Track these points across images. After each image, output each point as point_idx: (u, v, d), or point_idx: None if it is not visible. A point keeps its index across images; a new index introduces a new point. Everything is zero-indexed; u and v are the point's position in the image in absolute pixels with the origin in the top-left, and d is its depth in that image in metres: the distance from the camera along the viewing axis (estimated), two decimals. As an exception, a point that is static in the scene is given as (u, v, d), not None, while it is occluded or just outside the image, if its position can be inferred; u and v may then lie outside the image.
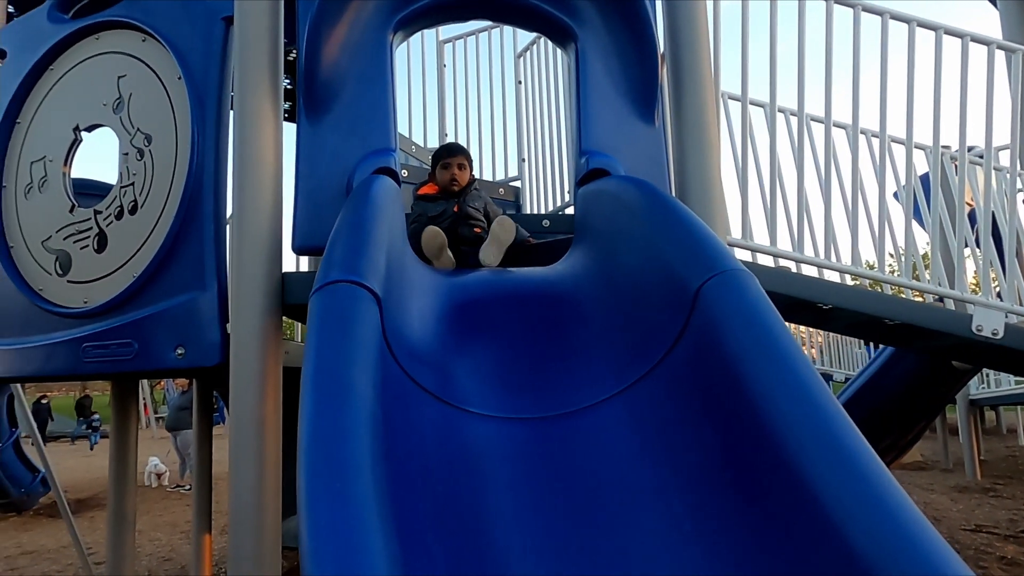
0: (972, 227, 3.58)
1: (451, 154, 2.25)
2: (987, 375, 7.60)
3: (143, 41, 2.04)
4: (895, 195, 3.76)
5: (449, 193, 2.15)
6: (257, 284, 1.74)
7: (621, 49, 1.89)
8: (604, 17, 1.88)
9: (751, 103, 2.86)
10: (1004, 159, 3.96)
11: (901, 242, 2.99)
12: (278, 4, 1.80)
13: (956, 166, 3.34)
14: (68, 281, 2.05)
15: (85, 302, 2.00)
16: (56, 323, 2.04)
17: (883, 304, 2.50)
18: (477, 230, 2.08)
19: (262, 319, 1.74)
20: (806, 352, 10.25)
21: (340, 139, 1.80)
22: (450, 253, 1.92)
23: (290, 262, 3.21)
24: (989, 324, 2.49)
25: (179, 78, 1.95)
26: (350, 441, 0.80)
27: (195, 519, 4.83)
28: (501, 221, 1.99)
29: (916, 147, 3.12)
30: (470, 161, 2.28)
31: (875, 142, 3.03)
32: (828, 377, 9.16)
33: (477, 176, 2.41)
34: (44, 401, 18.02)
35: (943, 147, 3.26)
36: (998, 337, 2.49)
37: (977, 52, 2.69)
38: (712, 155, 1.93)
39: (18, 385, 5.20)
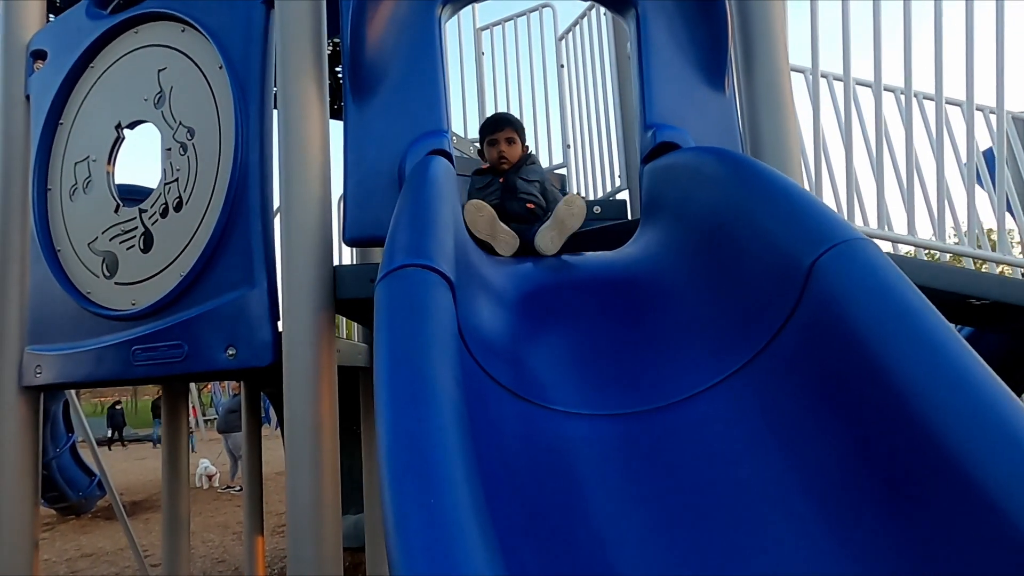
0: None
1: (497, 128, 2.02)
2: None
3: (182, 31, 1.97)
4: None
5: (499, 172, 1.97)
6: (308, 279, 1.66)
7: (686, 9, 1.74)
8: (668, -21, 1.74)
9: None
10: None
11: (961, 214, 2.77)
12: (320, -16, 1.71)
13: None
14: (116, 283, 1.99)
15: (133, 304, 1.94)
16: (105, 326, 1.98)
17: (969, 280, 2.29)
18: (530, 205, 1.88)
19: (315, 315, 1.65)
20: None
21: (389, 122, 1.70)
22: (505, 227, 1.72)
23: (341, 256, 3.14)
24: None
25: (220, 67, 1.87)
26: (439, 446, 0.68)
27: (247, 520, 4.82)
28: (570, 201, 1.69)
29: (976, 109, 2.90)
30: (521, 133, 2.06)
31: (929, 106, 2.81)
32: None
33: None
34: (118, 407, 18.52)
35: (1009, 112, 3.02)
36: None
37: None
38: (789, 123, 1.77)
39: (72, 392, 5.27)
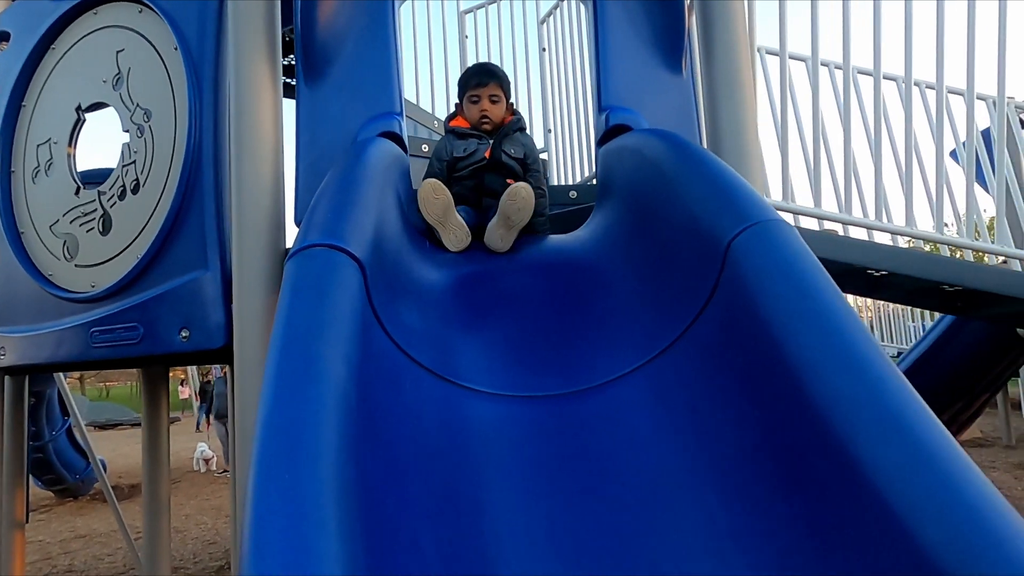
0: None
1: (480, 81, 1.75)
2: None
3: (140, 12, 1.95)
4: (952, 154, 3.48)
5: (482, 135, 1.74)
6: (260, 261, 1.65)
7: (643, -7, 1.72)
8: (623, -42, 1.72)
9: (792, 58, 2.65)
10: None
11: (959, 204, 2.75)
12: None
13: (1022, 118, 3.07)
14: (76, 265, 2.00)
15: (92, 286, 1.94)
16: (66, 308, 1.98)
17: (943, 268, 2.28)
18: (510, 181, 1.66)
19: (266, 298, 1.64)
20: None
21: (341, 104, 1.68)
22: (459, 218, 1.52)
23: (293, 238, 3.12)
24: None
25: (175, 48, 1.85)
26: (311, 425, 0.68)
27: (232, 504, 4.88)
28: (514, 193, 1.49)
29: (978, 98, 2.86)
30: (507, 90, 1.80)
31: (930, 94, 2.79)
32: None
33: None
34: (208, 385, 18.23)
35: (1009, 98, 2.99)
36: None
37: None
38: (747, 105, 1.75)
39: (61, 375, 5.30)
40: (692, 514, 0.89)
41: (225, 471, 9.81)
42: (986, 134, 3.62)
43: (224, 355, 1.76)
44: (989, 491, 0.67)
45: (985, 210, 2.76)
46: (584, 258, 1.42)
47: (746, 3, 1.88)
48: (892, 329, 9.22)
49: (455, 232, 1.52)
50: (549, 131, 3.69)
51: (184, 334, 1.73)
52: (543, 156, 3.75)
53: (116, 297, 1.87)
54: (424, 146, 3.00)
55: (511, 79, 3.75)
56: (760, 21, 2.40)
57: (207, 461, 9.99)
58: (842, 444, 0.74)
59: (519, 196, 1.48)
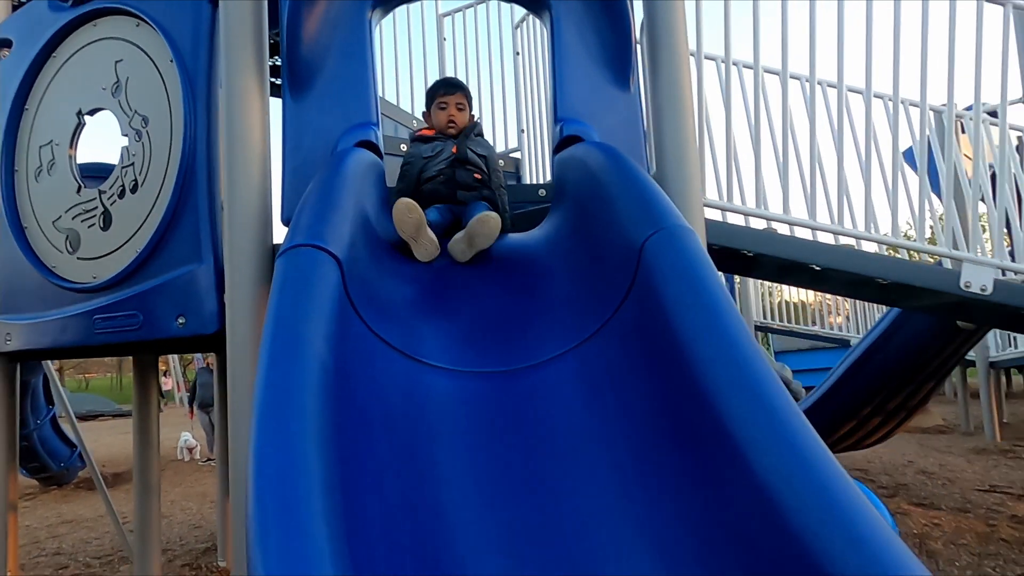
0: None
1: (448, 91, 1.98)
2: (1013, 338, 7.50)
3: (137, 26, 2.12)
4: (906, 153, 3.73)
5: (447, 138, 1.92)
6: (249, 255, 1.83)
7: (594, 16, 1.92)
8: (577, -14, 1.92)
9: (765, 71, 2.86)
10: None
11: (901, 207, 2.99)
12: (259, -15, 1.87)
13: (960, 125, 3.31)
14: (78, 258, 2.17)
15: (94, 277, 2.12)
16: (69, 298, 2.16)
17: (872, 263, 2.52)
18: (477, 176, 1.88)
19: (255, 288, 1.83)
20: (833, 320, 10.17)
21: (323, 115, 1.87)
22: (431, 234, 1.64)
23: (280, 234, 3.30)
24: (978, 280, 2.50)
25: (171, 61, 2.03)
26: (296, 387, 0.88)
27: (219, 488, 5.06)
28: (484, 220, 1.62)
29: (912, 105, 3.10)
30: (470, 100, 2.01)
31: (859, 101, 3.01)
32: (847, 343, 9.10)
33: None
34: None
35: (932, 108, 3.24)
36: (987, 293, 2.51)
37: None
38: (687, 118, 1.96)
39: (50, 363, 5.43)
40: (606, 465, 1.10)
41: (209, 459, 9.95)
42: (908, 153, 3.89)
43: (217, 340, 1.95)
44: (817, 444, 0.89)
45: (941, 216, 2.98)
46: (534, 256, 1.63)
47: (691, 9, 2.08)
48: (869, 321, 9.53)
49: (425, 246, 1.64)
50: (522, 131, 3.89)
51: (181, 321, 1.92)
52: (515, 155, 3.96)
53: (117, 287, 2.05)
54: (402, 145, 3.19)
55: (487, 80, 3.96)
56: (736, 35, 2.61)
57: (191, 450, 10.12)
58: (714, 409, 0.95)
59: (488, 224, 1.62)
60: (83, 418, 17.13)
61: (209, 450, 10.06)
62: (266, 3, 1.95)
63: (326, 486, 0.79)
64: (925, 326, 4.19)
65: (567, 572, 0.95)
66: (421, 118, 4.08)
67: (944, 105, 3.20)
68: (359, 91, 1.88)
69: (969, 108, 4.55)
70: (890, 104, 2.85)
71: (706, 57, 2.73)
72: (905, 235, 2.74)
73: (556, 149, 1.90)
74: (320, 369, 0.94)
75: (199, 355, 9.54)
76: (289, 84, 1.89)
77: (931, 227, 2.80)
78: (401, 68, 3.88)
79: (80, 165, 2.27)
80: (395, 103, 3.91)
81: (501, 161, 3.77)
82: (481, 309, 1.49)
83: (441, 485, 1.09)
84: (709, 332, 1.01)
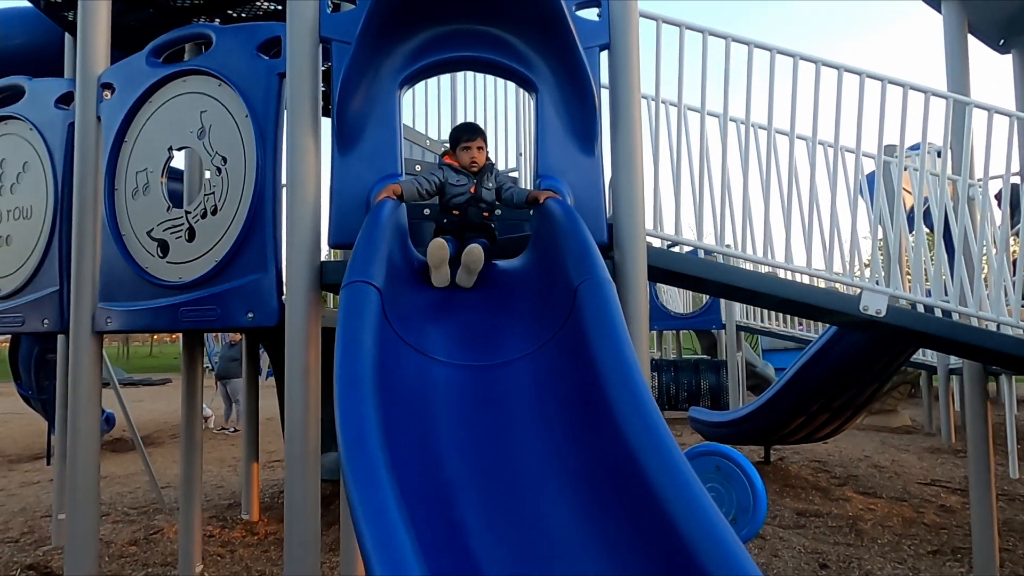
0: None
1: (471, 138, 2.48)
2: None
3: (219, 86, 2.75)
4: (869, 177, 4.36)
5: (469, 174, 2.46)
6: (303, 269, 2.48)
7: (568, 100, 2.55)
8: (556, 76, 2.54)
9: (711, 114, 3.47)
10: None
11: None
12: (318, 69, 2.50)
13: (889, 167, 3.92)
14: (167, 262, 2.82)
15: (180, 278, 2.77)
16: (159, 292, 2.81)
17: (787, 288, 3.16)
18: (485, 214, 2.43)
19: (307, 293, 2.48)
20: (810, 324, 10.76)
21: (362, 167, 2.51)
22: (447, 269, 2.22)
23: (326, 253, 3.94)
24: (874, 304, 3.13)
25: (246, 116, 2.67)
26: (360, 374, 1.53)
27: (245, 452, 5.78)
28: (470, 252, 2.22)
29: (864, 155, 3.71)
30: (486, 142, 2.54)
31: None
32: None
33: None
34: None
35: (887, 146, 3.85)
36: (881, 315, 3.14)
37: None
38: (638, 178, 2.60)
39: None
40: (543, 430, 1.75)
41: (224, 429, 10.67)
42: (870, 177, 4.50)
43: (276, 331, 2.59)
44: (662, 426, 1.53)
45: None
46: (513, 283, 2.27)
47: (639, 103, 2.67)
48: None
49: (443, 276, 2.25)
50: (520, 155, 4.51)
51: (250, 315, 2.58)
52: (514, 175, 4.58)
53: (199, 287, 2.70)
54: (417, 166, 3.83)
55: (492, 112, 4.58)
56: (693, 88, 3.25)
57: (206, 419, 10.86)
58: (607, 399, 1.59)
59: (473, 255, 2.23)
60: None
61: (224, 420, 10.79)
62: (320, 80, 2.59)
63: (377, 427, 1.44)
64: (862, 337, 4.81)
65: (514, 485, 1.60)
66: (432, 136, 4.73)
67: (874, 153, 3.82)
68: (389, 150, 2.52)
69: (915, 148, 5.17)
70: (829, 151, 3.47)
71: (664, 102, 3.35)
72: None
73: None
74: (371, 360, 1.59)
75: (224, 334, 10.22)
76: (337, 142, 2.53)
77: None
78: (418, 97, 4.50)
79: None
80: (411, 126, 4.53)
81: (514, 174, 4.41)
82: (472, 321, 2.14)
83: (439, 436, 1.75)
84: (611, 352, 1.65)
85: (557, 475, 1.68)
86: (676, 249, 3.34)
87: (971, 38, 4.89)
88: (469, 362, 1.94)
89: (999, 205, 3.51)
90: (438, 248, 2.22)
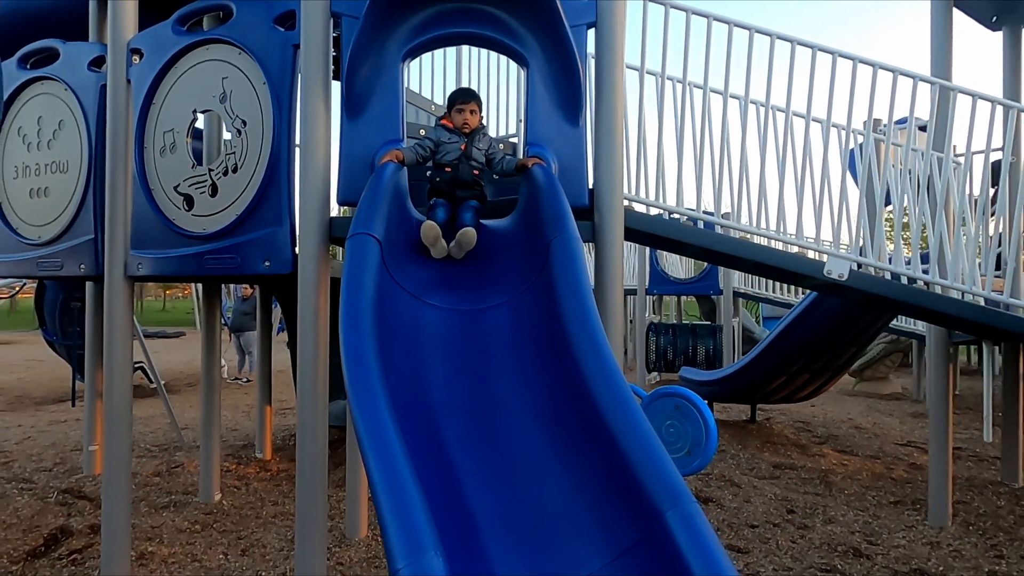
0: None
1: (465, 101, 2.69)
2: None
3: (239, 54, 3.01)
4: (851, 159, 4.58)
5: (462, 134, 2.66)
6: (314, 223, 2.78)
7: (555, 74, 2.79)
8: (545, 52, 2.78)
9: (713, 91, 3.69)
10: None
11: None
12: (329, 41, 2.76)
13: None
14: (192, 215, 3.12)
15: (204, 229, 3.08)
16: (185, 242, 3.12)
17: (757, 253, 3.43)
18: (475, 172, 2.61)
19: (317, 245, 2.78)
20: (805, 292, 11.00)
21: (367, 132, 2.78)
22: (443, 242, 2.42)
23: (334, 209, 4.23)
24: (837, 269, 3.40)
25: (264, 83, 2.93)
26: (361, 309, 1.83)
27: (259, 398, 6.17)
28: (465, 232, 2.43)
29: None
30: (480, 106, 2.75)
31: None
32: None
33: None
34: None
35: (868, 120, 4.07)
36: (844, 279, 3.41)
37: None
38: (617, 148, 2.86)
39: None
40: (518, 364, 2.05)
41: (237, 379, 11.12)
42: (852, 154, 4.72)
43: (290, 278, 2.90)
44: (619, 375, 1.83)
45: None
46: (500, 240, 2.56)
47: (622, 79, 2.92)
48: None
49: (440, 250, 2.45)
50: (520, 120, 4.74)
51: (267, 264, 2.89)
52: (514, 140, 4.82)
53: (221, 238, 3.01)
54: (421, 131, 4.09)
55: (494, 79, 4.79)
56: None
57: (220, 369, 11.27)
58: (571, 339, 1.89)
59: (467, 235, 2.44)
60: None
61: (238, 370, 11.26)
62: (330, 51, 2.84)
63: (375, 353, 1.75)
64: (839, 303, 5.08)
65: (490, 409, 1.92)
66: (437, 102, 4.96)
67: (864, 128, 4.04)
68: (392, 117, 2.79)
69: (902, 121, 5.35)
70: (813, 126, 3.70)
71: (649, 72, 3.58)
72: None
73: (525, 164, 2.81)
74: (371, 299, 1.89)
75: (236, 286, 10.59)
76: (345, 109, 2.80)
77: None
78: (425, 65, 4.72)
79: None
80: (417, 91, 4.77)
81: (501, 144, 4.66)
82: (461, 272, 2.44)
83: (428, 367, 2.06)
84: (573, 299, 1.94)
85: (526, 402, 1.99)
86: (656, 213, 3.61)
87: (963, 16, 5.05)
88: (456, 306, 2.25)
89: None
90: (430, 229, 2.42)
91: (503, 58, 4.73)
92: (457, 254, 2.48)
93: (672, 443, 2.33)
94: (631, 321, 12.50)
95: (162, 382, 6.90)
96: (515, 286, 2.27)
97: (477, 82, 4.89)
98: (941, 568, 3.62)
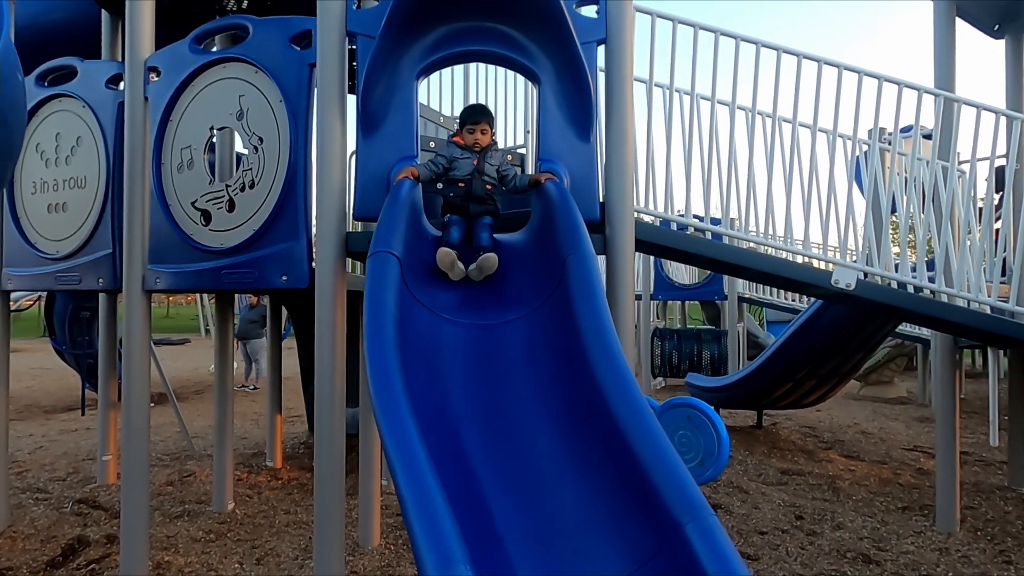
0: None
1: (476, 120, 2.74)
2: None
3: (256, 72, 3.08)
4: (857, 170, 4.63)
5: (473, 152, 2.70)
6: (331, 238, 2.83)
7: (567, 91, 2.85)
8: (556, 69, 2.84)
9: (720, 103, 3.75)
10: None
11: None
12: (343, 61, 2.82)
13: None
14: (210, 230, 3.18)
15: (221, 244, 3.13)
16: (203, 256, 3.18)
17: (765, 263, 3.48)
18: (488, 187, 2.66)
19: (334, 260, 2.84)
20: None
21: (383, 149, 2.84)
22: (461, 266, 2.44)
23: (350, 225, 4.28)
24: (844, 279, 3.44)
25: (280, 101, 2.99)
26: (384, 326, 1.88)
27: (269, 406, 6.21)
28: (487, 258, 2.44)
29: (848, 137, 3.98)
30: (492, 125, 2.78)
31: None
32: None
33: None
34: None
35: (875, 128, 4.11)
36: (851, 289, 3.45)
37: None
38: (628, 163, 2.92)
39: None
40: (535, 375, 2.10)
41: (244, 386, 11.17)
42: (859, 162, 4.77)
43: (307, 292, 2.96)
44: (632, 382, 1.88)
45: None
46: (515, 250, 2.61)
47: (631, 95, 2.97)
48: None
49: (458, 273, 2.46)
50: (528, 132, 4.81)
51: (284, 278, 2.94)
52: (522, 151, 4.88)
53: (239, 252, 3.06)
54: (432, 143, 4.16)
55: (502, 93, 4.86)
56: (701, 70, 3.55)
57: (228, 376, 11.30)
58: (587, 354, 1.93)
59: (488, 260, 2.44)
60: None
61: (244, 378, 11.31)
62: (346, 71, 2.90)
63: (398, 367, 1.80)
64: (845, 310, 5.12)
65: (507, 421, 1.97)
66: (446, 113, 5.02)
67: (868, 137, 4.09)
68: (407, 134, 2.84)
69: (907, 130, 5.40)
70: (819, 136, 3.75)
71: (657, 85, 3.64)
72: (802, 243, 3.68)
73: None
74: (392, 316, 1.94)
75: (242, 295, 10.66)
76: (361, 126, 2.85)
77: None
78: (435, 78, 4.79)
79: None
80: (427, 104, 4.83)
81: (509, 156, 4.73)
82: (478, 286, 2.49)
83: (447, 380, 2.11)
84: (590, 315, 1.99)
85: (543, 414, 2.04)
86: (662, 224, 3.66)
87: (965, 25, 5.10)
88: (474, 320, 2.30)
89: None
90: (445, 256, 2.45)
91: (511, 73, 4.80)
92: (477, 277, 2.49)
93: (684, 453, 2.37)
94: (636, 326, 12.55)
95: (166, 391, 6.97)
96: (531, 301, 2.32)
97: (484, 94, 4.96)
98: (950, 574, 3.66)
